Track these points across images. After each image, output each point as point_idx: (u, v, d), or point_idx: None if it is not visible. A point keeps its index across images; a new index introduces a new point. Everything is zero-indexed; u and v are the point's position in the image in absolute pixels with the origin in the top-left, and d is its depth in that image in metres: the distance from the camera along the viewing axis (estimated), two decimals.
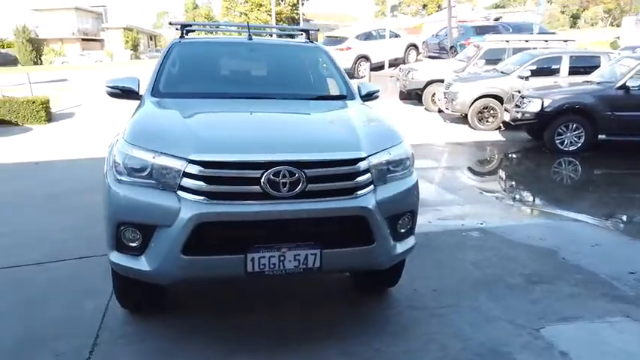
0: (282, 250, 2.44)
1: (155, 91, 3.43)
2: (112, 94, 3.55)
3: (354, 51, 17.19)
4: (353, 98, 3.73)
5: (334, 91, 3.84)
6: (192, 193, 2.37)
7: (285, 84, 3.82)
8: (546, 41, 13.34)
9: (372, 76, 16.18)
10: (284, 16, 45.17)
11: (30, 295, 3.37)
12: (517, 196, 6.65)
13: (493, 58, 12.88)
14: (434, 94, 13.13)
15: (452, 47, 17.61)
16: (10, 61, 42.65)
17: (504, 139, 10.48)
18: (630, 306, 3.34)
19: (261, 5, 43.12)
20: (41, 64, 42.98)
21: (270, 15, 41.75)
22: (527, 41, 13.33)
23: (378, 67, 17.56)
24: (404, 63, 17.70)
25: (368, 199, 2.56)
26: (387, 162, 2.73)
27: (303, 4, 46.12)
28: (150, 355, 2.72)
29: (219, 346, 2.80)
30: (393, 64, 18.22)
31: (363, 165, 2.59)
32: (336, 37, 18.45)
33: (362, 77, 16.97)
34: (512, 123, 9.73)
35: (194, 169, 2.37)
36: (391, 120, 3.25)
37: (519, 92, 9.80)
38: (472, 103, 11.06)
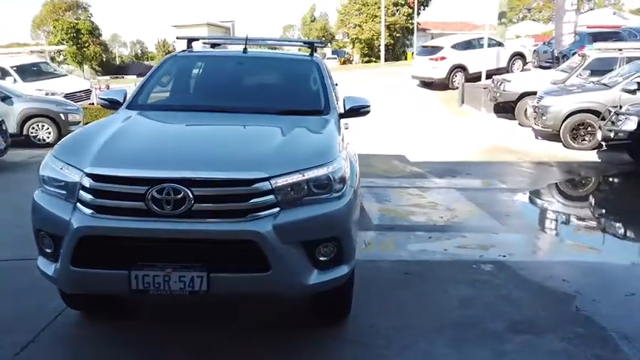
0: (166, 270, 2.38)
1: (130, 103, 3.59)
2: (102, 105, 3.80)
3: (448, 61, 16.47)
4: (327, 113, 3.55)
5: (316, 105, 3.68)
6: (84, 206, 2.42)
7: (260, 98, 3.77)
8: None
9: (465, 88, 15.31)
10: (398, 27, 44.76)
11: (11, 287, 3.67)
12: (568, 229, 5.81)
13: (601, 69, 11.41)
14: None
15: (564, 56, 15.99)
16: None
17: (599, 161, 9.24)
18: None
19: (375, 16, 43.16)
20: None
21: (385, 26, 41.73)
22: None
23: (475, 78, 16.58)
24: (507, 73, 16.49)
25: (262, 223, 2.40)
26: (299, 183, 2.53)
27: (419, 13, 45.30)
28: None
29: None
30: (495, 74, 17.07)
31: (261, 186, 2.43)
32: (432, 46, 17.82)
33: (456, 88, 16.17)
34: (604, 143, 8.54)
35: (87, 182, 2.43)
36: (334, 137, 3.03)
37: (618, 107, 8.58)
38: (565, 119, 9.91)
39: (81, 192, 2.44)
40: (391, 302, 3.57)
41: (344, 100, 3.74)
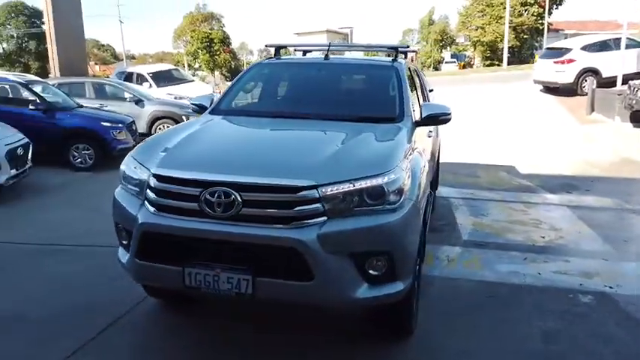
0: (216, 270, 2.44)
1: (214, 109, 3.77)
2: (193, 110, 4.04)
3: (577, 64, 14.95)
4: (401, 120, 3.40)
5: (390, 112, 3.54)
6: (149, 204, 2.58)
7: (334, 104, 3.71)
8: None
9: (596, 94, 13.75)
10: (525, 28, 41.87)
11: (111, 274, 4.06)
12: None
13: None
14: None
15: None
16: None
17: None
18: None
19: (500, 17, 40.77)
20: None
21: (511, 27, 39.33)
22: None
23: (609, 84, 14.84)
24: None
25: (306, 231, 2.35)
26: (349, 193, 2.44)
27: (550, 12, 41.94)
28: (142, 348, 3.03)
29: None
30: (633, 79, 15.12)
31: (307, 194, 2.38)
32: (558, 48, 16.30)
33: (585, 94, 14.61)
34: None
35: (152, 182, 2.58)
36: (397, 147, 2.86)
37: None
38: None
39: (147, 190, 2.60)
40: (466, 325, 3.31)
41: (421, 108, 3.55)
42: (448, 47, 52.58)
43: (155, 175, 2.58)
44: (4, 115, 7.96)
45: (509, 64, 36.77)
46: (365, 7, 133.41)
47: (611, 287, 3.93)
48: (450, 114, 3.59)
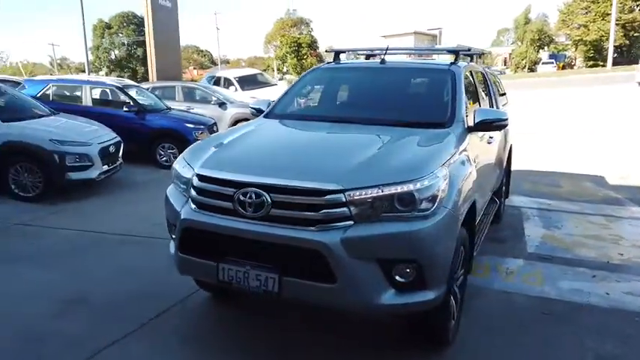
0: (246, 267, 2.56)
1: (268, 112, 3.93)
2: (252, 114, 4.23)
3: None
4: (450, 126, 3.32)
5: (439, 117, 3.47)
6: (192, 201, 2.77)
7: (385, 109, 3.68)
8: None
9: None
10: (637, 25, 38.24)
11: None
12: None
13: None
14: None
15: None
16: None
17: None
18: None
19: (606, 14, 37.58)
20: None
21: (619, 24, 36.22)
22: None
23: None
24: None
25: (330, 234, 2.39)
26: (378, 198, 2.44)
27: None
28: (186, 339, 3.24)
29: None
30: None
31: (334, 198, 2.42)
32: None
33: None
34: None
35: (195, 181, 2.77)
36: (437, 153, 2.82)
37: None
38: None
39: (191, 189, 2.80)
40: (510, 342, 3.17)
41: (474, 113, 3.44)
42: (546, 47, 49.37)
43: (197, 175, 2.77)
44: (102, 115, 8.83)
45: (615, 64, 33.89)
46: (456, 7, 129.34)
47: None
48: (505, 120, 3.45)
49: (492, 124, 3.44)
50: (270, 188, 2.52)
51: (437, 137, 3.12)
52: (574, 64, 44.01)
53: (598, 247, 4.96)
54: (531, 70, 46.53)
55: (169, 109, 10.39)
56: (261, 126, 3.59)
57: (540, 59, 47.93)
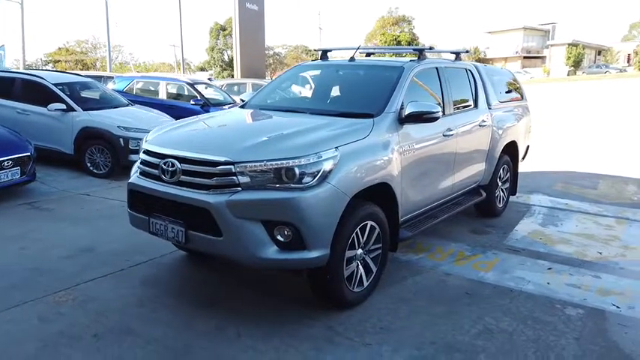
0: (165, 222, 3.22)
1: (245, 104, 4.57)
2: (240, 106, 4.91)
3: None
4: (378, 116, 3.68)
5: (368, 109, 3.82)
6: (138, 170, 3.50)
7: (335, 101, 4.14)
8: None
9: None
10: None
11: None
12: None
13: None
14: None
15: None
16: None
17: None
18: None
19: None
20: None
21: None
22: None
23: None
24: None
25: (217, 197, 2.95)
26: (262, 171, 2.96)
27: None
28: (147, 281, 3.99)
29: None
30: None
31: (225, 168, 2.97)
32: None
33: None
34: None
35: (141, 154, 3.50)
36: (334, 137, 3.26)
37: None
38: None
39: (141, 159, 3.54)
40: (411, 310, 3.48)
41: (406, 105, 3.76)
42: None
43: (143, 149, 3.51)
44: (173, 107, 10.14)
45: None
46: None
47: (618, 307, 3.56)
48: (435, 112, 3.72)
49: (422, 116, 3.74)
50: (180, 159, 3.16)
51: (352, 125, 3.53)
52: None
53: (581, 245, 4.91)
54: None
55: (234, 102, 11.47)
56: (219, 113, 4.24)
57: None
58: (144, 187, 3.35)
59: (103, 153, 8.06)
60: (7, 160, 6.30)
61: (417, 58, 4.46)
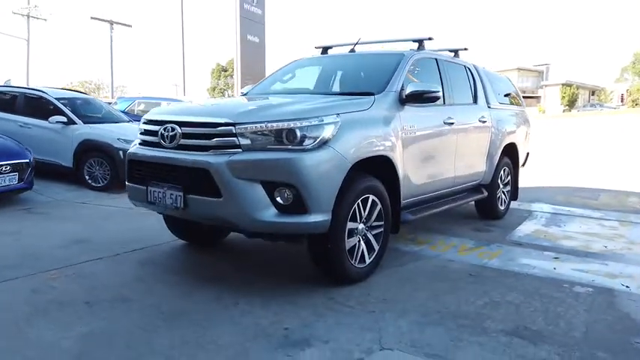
0: (164, 188, 3.16)
1: (246, 92, 4.61)
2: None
3: None
4: (379, 94, 3.69)
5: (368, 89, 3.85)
6: (138, 141, 3.49)
7: (335, 86, 4.24)
8: None
9: None
10: None
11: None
12: None
13: None
14: None
15: None
16: None
17: None
18: None
19: None
20: None
21: None
22: None
23: None
24: None
25: (217, 158, 2.91)
26: (263, 132, 2.94)
27: None
28: (145, 263, 3.89)
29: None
30: None
31: (225, 129, 2.95)
32: None
33: None
34: None
35: (142, 124, 3.49)
36: (333, 106, 3.28)
37: None
38: None
39: (140, 129, 3.52)
40: (414, 287, 3.38)
41: (403, 86, 3.80)
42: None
43: (144, 120, 3.50)
44: None
45: None
46: (565, 39, 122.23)
47: (627, 287, 3.46)
48: (434, 92, 3.75)
49: (422, 95, 3.76)
50: (180, 123, 3.15)
51: (352, 99, 3.55)
52: None
53: (586, 241, 4.83)
54: None
55: None
56: (221, 99, 4.27)
57: None
58: (143, 155, 3.33)
59: (102, 166, 8.03)
60: (6, 164, 6.26)
61: (416, 48, 4.53)
